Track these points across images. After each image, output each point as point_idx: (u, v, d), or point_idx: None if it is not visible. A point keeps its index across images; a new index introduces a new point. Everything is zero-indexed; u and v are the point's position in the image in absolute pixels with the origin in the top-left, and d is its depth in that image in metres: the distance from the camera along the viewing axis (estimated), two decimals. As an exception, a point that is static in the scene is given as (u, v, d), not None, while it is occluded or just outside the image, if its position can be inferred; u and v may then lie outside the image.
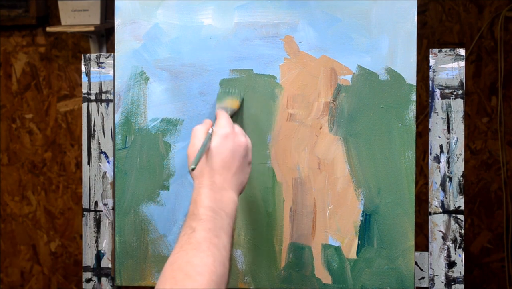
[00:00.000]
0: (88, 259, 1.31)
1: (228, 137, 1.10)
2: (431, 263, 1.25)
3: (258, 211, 1.26)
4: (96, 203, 1.31)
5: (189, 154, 1.11)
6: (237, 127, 1.14)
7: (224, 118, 1.14)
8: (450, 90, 1.25)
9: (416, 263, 1.25)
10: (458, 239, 1.25)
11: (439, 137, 1.25)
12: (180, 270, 0.96)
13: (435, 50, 1.25)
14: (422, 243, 2.15)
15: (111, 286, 1.31)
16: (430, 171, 1.25)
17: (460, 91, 1.24)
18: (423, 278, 1.26)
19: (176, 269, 0.96)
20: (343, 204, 1.25)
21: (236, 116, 1.25)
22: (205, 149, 1.09)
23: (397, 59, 1.23)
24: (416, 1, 1.23)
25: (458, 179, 1.25)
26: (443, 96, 1.25)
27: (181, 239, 1.01)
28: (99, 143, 1.31)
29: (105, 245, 1.31)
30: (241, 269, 1.27)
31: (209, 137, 1.10)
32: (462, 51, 1.25)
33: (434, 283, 1.25)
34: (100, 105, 1.31)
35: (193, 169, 1.07)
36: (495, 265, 2.38)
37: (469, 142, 2.33)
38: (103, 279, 1.31)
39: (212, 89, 1.26)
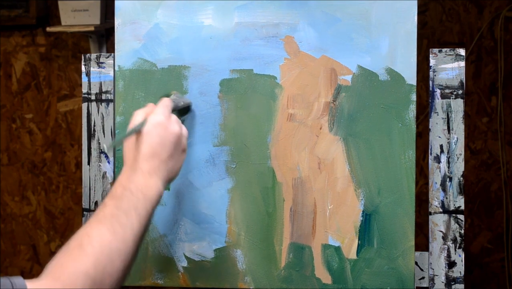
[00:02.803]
0: (88, 259, 1.31)
1: (159, 125, 1.10)
2: (431, 263, 1.25)
3: (258, 211, 1.26)
4: (96, 203, 1.31)
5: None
6: (173, 116, 1.14)
7: (161, 106, 1.14)
8: (450, 90, 1.24)
9: (416, 263, 1.25)
10: (458, 239, 1.25)
11: (439, 137, 1.25)
12: (77, 240, 0.99)
13: (435, 50, 1.25)
14: (422, 243, 2.14)
15: (111, 286, 1.31)
16: (430, 171, 1.25)
17: (460, 91, 1.24)
18: (423, 278, 1.26)
19: (74, 238, 0.99)
20: (343, 204, 1.25)
21: (235, 116, 1.25)
22: (132, 133, 1.10)
23: (397, 59, 1.23)
24: (416, 1, 1.23)
25: (458, 179, 1.24)
26: (443, 96, 1.25)
27: (94, 214, 1.03)
28: (99, 144, 1.31)
29: (105, 245, 1.31)
30: (241, 269, 1.27)
31: (142, 123, 1.10)
32: (462, 51, 1.25)
33: (434, 283, 1.25)
34: (100, 105, 1.31)
35: (116, 148, 1.16)
36: (495, 265, 2.38)
37: (469, 142, 2.33)
38: (103, 279, 1.31)
39: (212, 89, 1.26)
